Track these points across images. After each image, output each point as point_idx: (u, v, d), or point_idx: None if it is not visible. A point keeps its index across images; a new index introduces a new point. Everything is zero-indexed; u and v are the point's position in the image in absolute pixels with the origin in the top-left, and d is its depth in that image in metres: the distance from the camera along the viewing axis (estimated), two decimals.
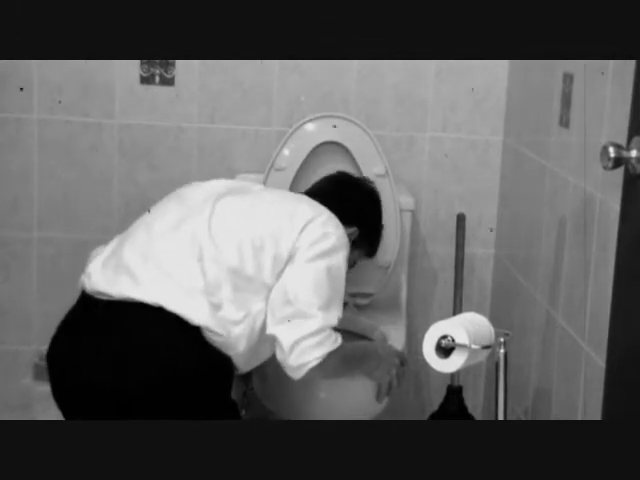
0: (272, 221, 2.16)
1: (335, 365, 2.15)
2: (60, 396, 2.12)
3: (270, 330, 2.11)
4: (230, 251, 2.11)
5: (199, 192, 2.26)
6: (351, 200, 2.44)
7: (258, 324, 2.12)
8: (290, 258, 2.13)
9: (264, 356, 2.21)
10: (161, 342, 2.04)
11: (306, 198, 2.31)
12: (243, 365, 2.18)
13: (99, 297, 2.11)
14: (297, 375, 2.12)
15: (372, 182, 2.59)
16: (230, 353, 2.11)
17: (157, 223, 2.18)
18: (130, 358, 2.03)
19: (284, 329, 2.10)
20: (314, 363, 2.10)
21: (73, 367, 2.08)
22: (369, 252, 2.53)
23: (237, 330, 2.09)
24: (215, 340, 2.08)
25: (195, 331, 2.06)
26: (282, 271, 2.13)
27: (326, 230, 2.16)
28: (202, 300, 2.06)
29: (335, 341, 2.13)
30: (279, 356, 2.12)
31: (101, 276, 2.13)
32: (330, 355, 2.11)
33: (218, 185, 2.30)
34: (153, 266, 2.10)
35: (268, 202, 2.24)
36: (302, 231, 2.13)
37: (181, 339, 2.05)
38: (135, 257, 2.12)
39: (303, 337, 2.08)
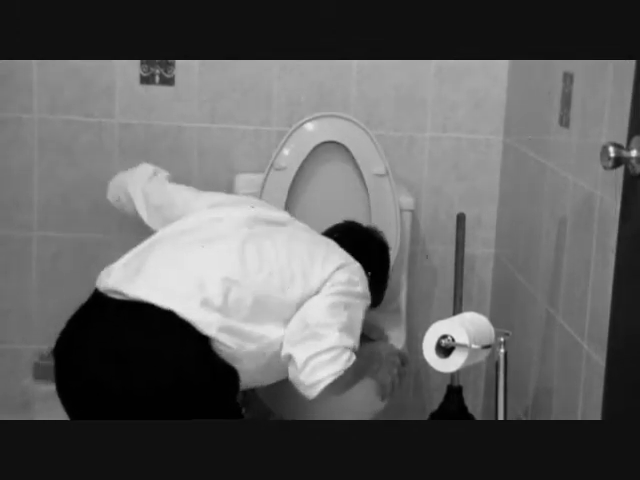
0: (305, 260, 2.19)
1: (346, 382, 2.15)
2: (65, 393, 2.12)
3: (286, 350, 2.12)
4: (259, 280, 2.13)
5: (234, 216, 2.29)
6: (364, 247, 2.46)
7: (271, 349, 2.13)
8: (315, 294, 2.17)
9: (267, 381, 2.24)
10: (170, 347, 2.05)
11: (336, 244, 2.34)
12: (245, 381, 2.17)
13: (112, 296, 2.11)
14: (311, 393, 2.13)
15: (381, 232, 2.60)
16: (236, 366, 2.12)
17: (190, 237, 2.21)
18: (138, 360, 2.03)
19: (299, 348, 2.12)
20: (328, 381, 2.10)
21: (80, 365, 2.08)
22: (375, 301, 2.48)
23: (247, 347, 2.10)
24: (222, 350, 2.08)
25: (205, 339, 2.07)
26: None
27: (353, 278, 2.21)
28: (216, 315, 2.07)
29: (348, 360, 2.14)
30: (291, 375, 2.14)
31: (120, 274, 2.13)
32: (344, 373, 2.12)
33: (253, 213, 2.32)
34: (175, 274, 2.11)
35: (304, 241, 2.28)
36: (332, 273, 2.18)
37: (190, 345, 2.06)
38: (159, 262, 2.15)
39: (317, 353, 2.10)
